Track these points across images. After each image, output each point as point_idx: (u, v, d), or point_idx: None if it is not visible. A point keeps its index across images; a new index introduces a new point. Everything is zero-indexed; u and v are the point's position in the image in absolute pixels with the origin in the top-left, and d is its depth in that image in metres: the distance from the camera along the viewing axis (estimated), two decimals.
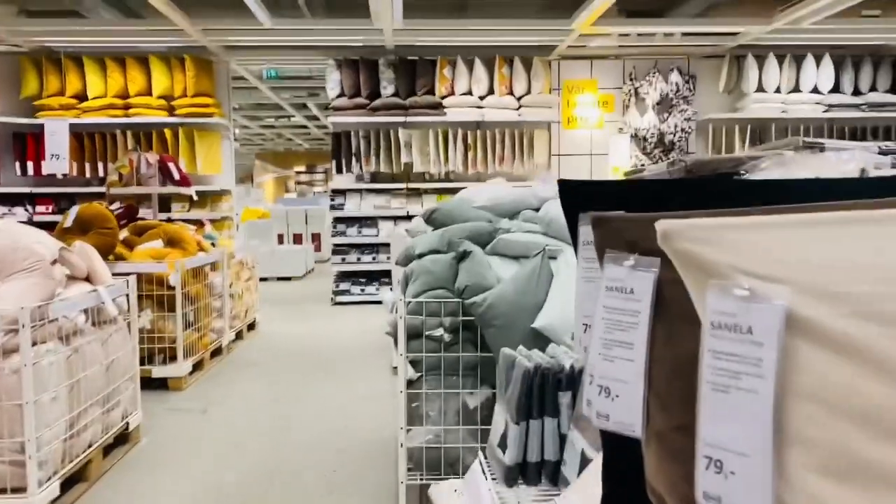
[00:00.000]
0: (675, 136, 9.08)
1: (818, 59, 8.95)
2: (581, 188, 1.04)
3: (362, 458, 3.96)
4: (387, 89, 8.88)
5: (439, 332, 3.10)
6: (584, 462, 1.34)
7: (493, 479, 1.56)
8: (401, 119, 8.81)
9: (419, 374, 3.17)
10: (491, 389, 3.18)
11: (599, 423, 0.85)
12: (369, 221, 9.29)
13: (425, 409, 3.19)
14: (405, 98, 8.83)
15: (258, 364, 6.15)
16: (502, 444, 1.54)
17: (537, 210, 3.44)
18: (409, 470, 3.20)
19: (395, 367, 5.56)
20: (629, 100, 9.18)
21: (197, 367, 5.67)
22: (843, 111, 9.00)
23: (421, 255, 3.30)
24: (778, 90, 9.01)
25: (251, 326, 7.42)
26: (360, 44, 8.78)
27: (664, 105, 9.08)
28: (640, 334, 0.81)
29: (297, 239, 14.19)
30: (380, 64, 8.85)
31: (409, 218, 8.65)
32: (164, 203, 8.38)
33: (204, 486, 3.63)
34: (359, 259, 9.26)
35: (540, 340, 2.86)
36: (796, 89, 9.06)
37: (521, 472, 1.53)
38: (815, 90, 9.03)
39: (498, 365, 2.98)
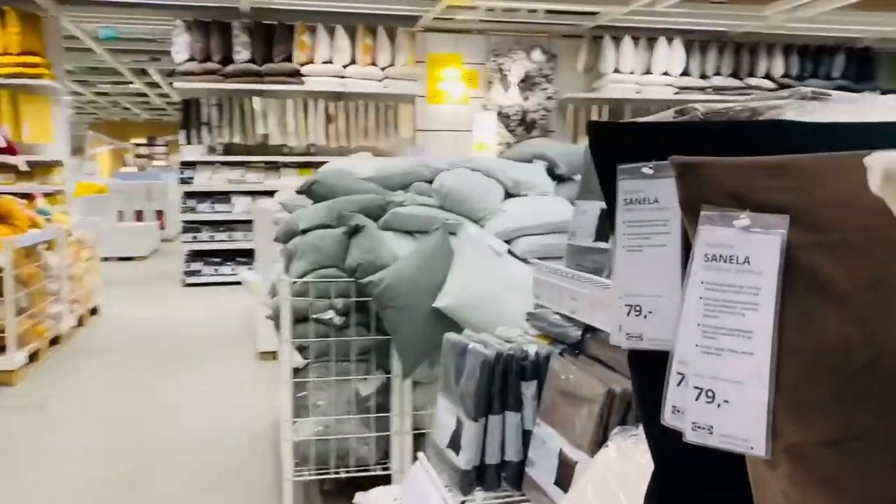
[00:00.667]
0: (537, 114, 9.14)
1: (669, 42, 9.30)
2: (621, 131, 0.83)
3: (236, 452, 3.61)
4: (241, 54, 8.29)
5: (329, 314, 2.82)
6: (565, 464, 1.15)
7: (446, 486, 1.33)
8: (256, 87, 8.27)
9: (306, 361, 2.87)
10: (385, 375, 2.95)
11: (698, 438, 0.64)
12: (222, 196, 8.70)
13: (313, 400, 2.91)
14: (261, 64, 8.29)
15: (104, 352, 5.56)
16: (454, 446, 1.32)
17: (430, 182, 3.22)
18: (296, 465, 2.91)
19: (262, 353, 5.18)
20: (494, 76, 9.12)
21: (32, 357, 5.06)
22: (692, 94, 9.40)
23: (306, 231, 2.99)
24: (632, 72, 9.28)
25: (93, 311, 6.74)
26: (212, 4, 8.13)
27: (527, 83, 9.10)
28: (761, 319, 0.61)
29: (139, 216, 13.16)
30: (233, 27, 8.24)
31: (268, 193, 8.14)
32: None
33: (48, 494, 3.15)
34: (212, 237, 8.66)
35: (442, 321, 2.66)
36: (649, 72, 9.37)
37: (478, 477, 1.31)
38: (667, 73, 9.38)
39: (405, 352, 2.75)
